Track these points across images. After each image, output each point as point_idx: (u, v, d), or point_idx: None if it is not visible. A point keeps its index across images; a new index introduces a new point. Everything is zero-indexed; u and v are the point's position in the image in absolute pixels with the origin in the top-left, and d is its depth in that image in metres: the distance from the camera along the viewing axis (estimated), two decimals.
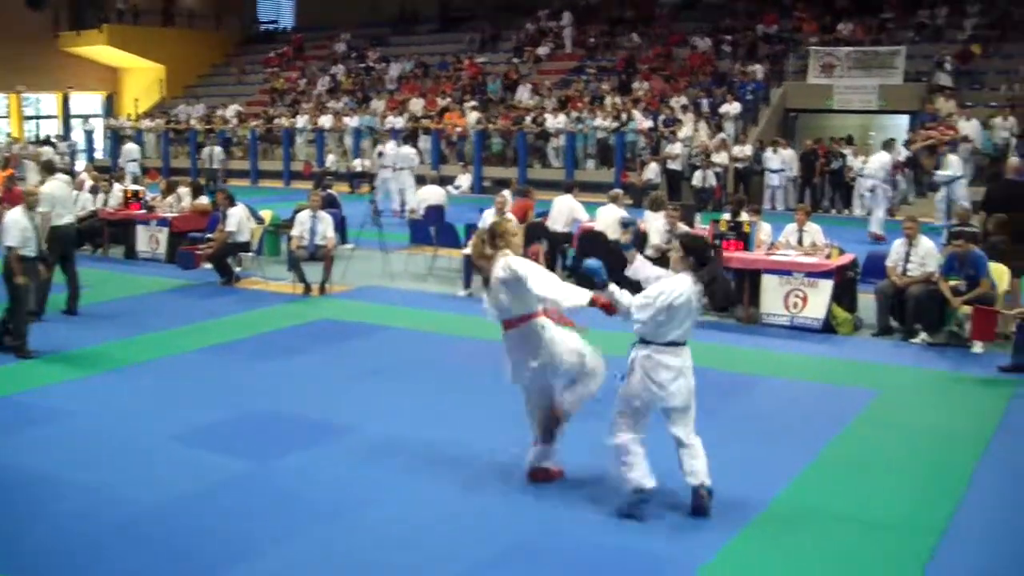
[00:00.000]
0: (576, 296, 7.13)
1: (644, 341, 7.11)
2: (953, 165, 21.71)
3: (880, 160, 21.62)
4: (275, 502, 7.38)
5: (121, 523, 7.03)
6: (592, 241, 15.60)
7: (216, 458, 8.28)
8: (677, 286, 6.95)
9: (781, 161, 26.02)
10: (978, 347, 11.74)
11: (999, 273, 12.34)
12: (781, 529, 6.91)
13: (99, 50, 44.70)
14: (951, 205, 20.89)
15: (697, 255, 7.04)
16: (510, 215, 14.03)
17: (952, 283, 11.99)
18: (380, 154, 26.98)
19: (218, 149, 34.85)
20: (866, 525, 6.95)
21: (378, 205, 18.95)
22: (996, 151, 25.13)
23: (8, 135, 40.86)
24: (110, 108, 46.67)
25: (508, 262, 7.28)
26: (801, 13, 33.85)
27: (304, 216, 15.47)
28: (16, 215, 11.58)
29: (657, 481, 7.05)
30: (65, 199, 13.81)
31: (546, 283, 7.15)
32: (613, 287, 7.10)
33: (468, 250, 14.94)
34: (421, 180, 22.49)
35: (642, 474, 7.02)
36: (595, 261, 7.17)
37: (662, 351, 7.02)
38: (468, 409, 9.54)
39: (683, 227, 14.07)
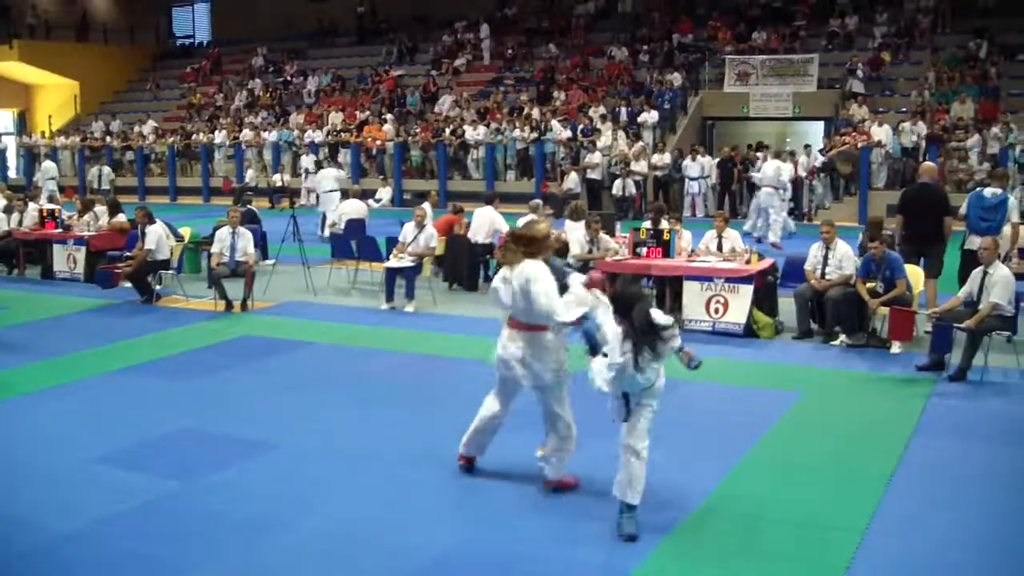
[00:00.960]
0: (568, 314, 7.19)
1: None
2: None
3: (772, 167, 21.52)
4: (202, 521, 7.29)
5: (37, 550, 6.86)
6: None
7: (139, 479, 8.16)
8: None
9: (700, 169, 26.30)
10: (896, 347, 11.95)
11: (914, 275, 12.56)
12: (709, 531, 6.96)
13: (10, 66, 43.96)
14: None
15: (619, 305, 6.87)
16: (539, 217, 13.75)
17: (870, 285, 12.19)
18: (306, 172, 26.88)
19: (107, 169, 34.18)
20: (792, 525, 7.04)
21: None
22: (905, 155, 25.64)
23: None
24: (23, 126, 45.92)
25: (525, 269, 7.33)
26: (716, 22, 34.27)
27: (224, 232, 15.33)
28: None
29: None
30: None
31: (547, 297, 7.19)
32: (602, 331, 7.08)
33: (392, 263, 15.01)
34: (343, 194, 22.35)
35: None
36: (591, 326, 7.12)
37: None
38: (392, 421, 9.51)
39: (604, 236, 14.18)
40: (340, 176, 24.77)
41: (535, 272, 7.31)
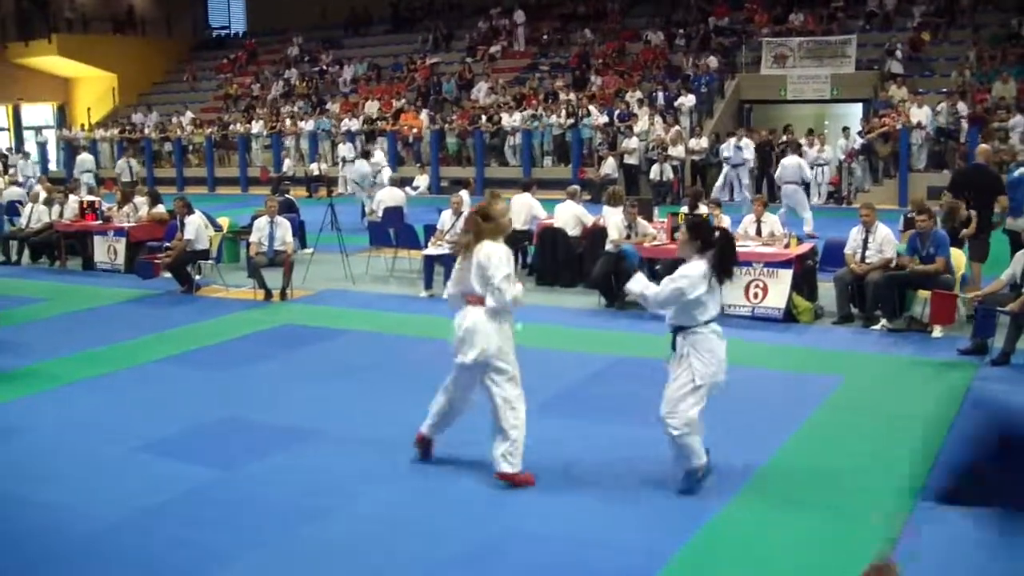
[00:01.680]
0: (516, 291, 7.38)
1: (683, 327, 7.30)
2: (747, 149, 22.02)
3: (794, 163, 20.98)
4: (244, 509, 7.34)
5: (86, 538, 6.93)
6: (551, 238, 15.64)
7: (182, 468, 8.22)
8: (692, 271, 7.18)
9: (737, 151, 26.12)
10: (937, 331, 11.84)
11: (957, 257, 12.45)
12: (751, 518, 6.93)
13: (49, 60, 44.30)
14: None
15: (702, 236, 7.30)
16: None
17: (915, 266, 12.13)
18: (343, 161, 26.91)
19: (133, 161, 34.35)
20: (835, 512, 7.00)
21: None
22: (943, 136, 25.38)
23: None
24: (62, 119, 46.27)
25: (486, 249, 7.40)
26: (752, 4, 34.02)
27: (262, 222, 15.39)
28: None
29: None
30: None
31: (502, 275, 7.29)
32: (641, 278, 7.62)
33: (430, 250, 15.02)
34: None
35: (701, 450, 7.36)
36: (630, 248, 7.49)
37: (705, 329, 7.30)
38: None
39: (642, 220, 14.13)
40: (366, 172, 24.64)
41: (491, 255, 7.38)
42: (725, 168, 24.29)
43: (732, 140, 24.31)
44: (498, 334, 7.49)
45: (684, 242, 7.41)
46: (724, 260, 7.24)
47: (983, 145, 16.02)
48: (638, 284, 7.54)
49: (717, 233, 7.40)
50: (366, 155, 26.39)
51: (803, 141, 25.22)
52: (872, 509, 6.97)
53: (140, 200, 19.14)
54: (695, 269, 7.18)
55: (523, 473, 7.54)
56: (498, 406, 7.52)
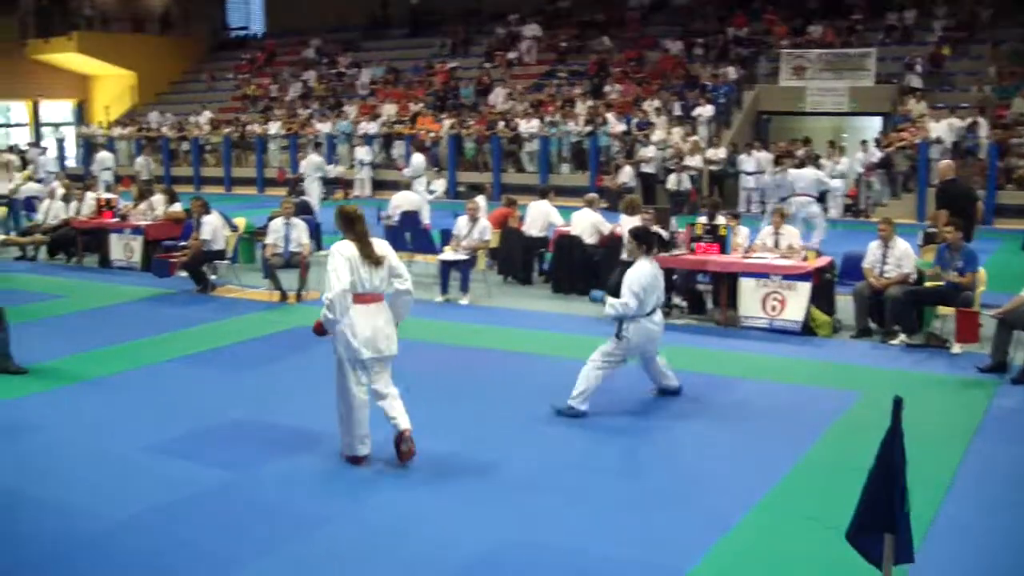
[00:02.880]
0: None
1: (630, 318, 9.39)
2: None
3: (811, 174, 20.62)
4: (255, 512, 7.30)
5: (93, 538, 6.90)
6: (567, 246, 15.60)
7: (193, 469, 8.19)
8: (643, 271, 9.39)
9: (756, 163, 26.08)
10: (957, 348, 11.76)
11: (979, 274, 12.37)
12: (764, 533, 6.88)
13: (69, 57, 44.44)
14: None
15: (647, 241, 9.61)
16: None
17: (935, 282, 12.06)
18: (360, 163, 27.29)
19: (150, 160, 34.32)
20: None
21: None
22: (958, 151, 25.28)
23: None
24: (81, 116, 46.40)
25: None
26: (771, 16, 33.97)
27: (277, 223, 15.40)
28: None
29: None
30: None
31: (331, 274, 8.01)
32: (610, 301, 9.62)
33: (446, 255, 15.00)
34: (395, 186, 22.45)
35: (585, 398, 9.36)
36: (598, 293, 8.98)
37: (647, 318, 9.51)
38: (444, 414, 9.48)
39: (660, 231, 14.07)
40: (321, 163, 25.76)
41: (333, 249, 8.08)
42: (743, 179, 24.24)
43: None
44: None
45: (633, 249, 9.69)
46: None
47: (947, 162, 16.60)
48: (612, 306, 9.43)
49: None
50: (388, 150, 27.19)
51: (823, 153, 25.15)
52: None
53: (157, 199, 19.15)
54: (644, 268, 9.39)
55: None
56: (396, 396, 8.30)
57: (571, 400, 9.37)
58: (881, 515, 4.61)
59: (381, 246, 8.20)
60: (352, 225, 8.14)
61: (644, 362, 9.92)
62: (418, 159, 26.78)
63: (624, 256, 13.90)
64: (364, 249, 8.03)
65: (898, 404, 4.49)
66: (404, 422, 8.20)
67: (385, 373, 8.28)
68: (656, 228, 13.76)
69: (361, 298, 8.02)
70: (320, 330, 8.27)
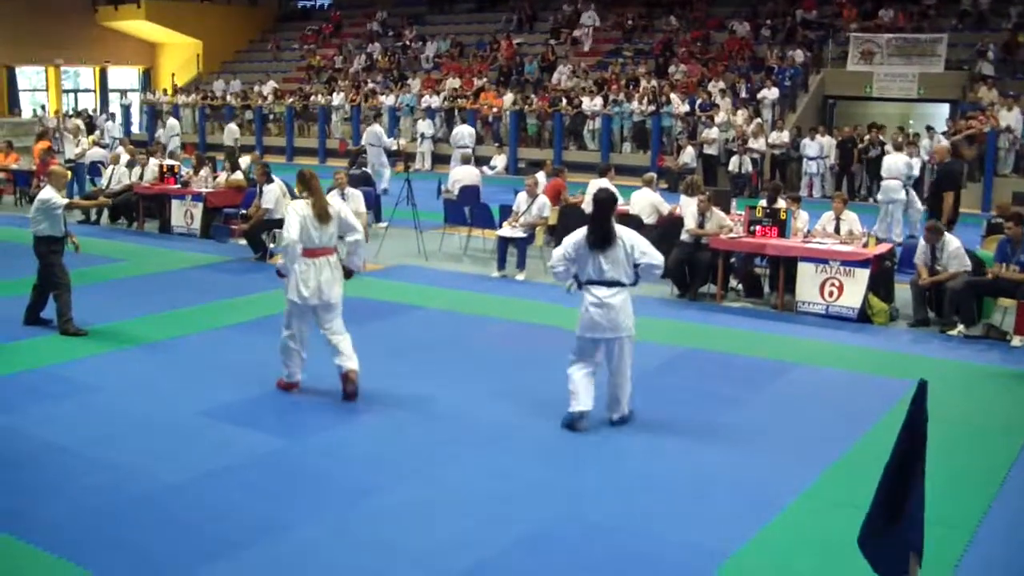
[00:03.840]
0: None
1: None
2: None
3: (900, 161, 19.50)
4: (302, 479, 7.38)
5: (142, 498, 7.03)
6: (626, 225, 15.51)
7: (243, 435, 8.29)
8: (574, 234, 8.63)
9: (819, 148, 25.80)
10: (1017, 340, 11.60)
11: None
12: (812, 519, 6.85)
13: (137, 25, 44.89)
14: None
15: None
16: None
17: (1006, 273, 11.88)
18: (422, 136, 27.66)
19: (233, 127, 34.49)
20: None
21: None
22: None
23: (42, 107, 41.14)
24: (147, 83, 46.83)
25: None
26: None
27: (333, 195, 15.44)
28: (49, 194, 11.43)
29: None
30: None
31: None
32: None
33: (504, 231, 15.00)
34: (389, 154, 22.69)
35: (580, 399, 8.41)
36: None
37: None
38: (496, 389, 9.49)
39: (718, 212, 13.98)
40: (380, 133, 26.04)
41: (289, 207, 9.37)
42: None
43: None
44: None
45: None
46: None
47: (943, 143, 18.22)
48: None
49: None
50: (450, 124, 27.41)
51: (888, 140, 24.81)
52: (936, 519, 6.84)
53: (243, 160, 19.44)
54: (578, 232, 8.64)
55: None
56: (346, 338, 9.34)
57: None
58: (894, 513, 4.40)
59: (335, 205, 9.35)
60: (307, 185, 9.25)
61: (608, 381, 8.61)
62: (463, 129, 27.94)
63: (683, 237, 13.87)
64: (316, 208, 9.07)
65: (922, 388, 4.34)
66: (351, 363, 9.22)
67: (334, 317, 9.28)
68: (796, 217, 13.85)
69: (311, 252, 9.07)
70: (280, 273, 9.38)
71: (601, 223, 8.52)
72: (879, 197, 19.69)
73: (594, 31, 36.92)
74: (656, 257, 8.53)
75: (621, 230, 8.58)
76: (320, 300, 9.13)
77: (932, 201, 16.08)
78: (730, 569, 6.11)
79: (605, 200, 8.72)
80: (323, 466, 7.65)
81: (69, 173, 12.59)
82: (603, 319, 8.36)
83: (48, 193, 11.36)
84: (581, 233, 8.50)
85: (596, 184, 16.35)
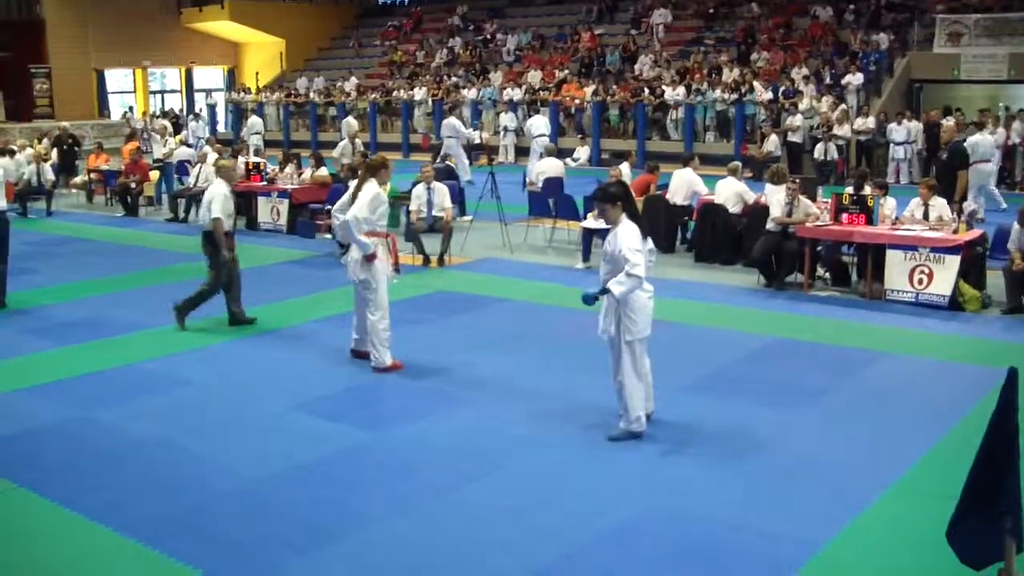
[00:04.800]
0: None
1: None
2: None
3: (987, 140, 19.70)
4: (393, 472, 7.44)
5: (234, 491, 7.16)
6: (711, 214, 15.45)
7: (333, 428, 8.38)
8: (633, 233, 7.87)
9: (906, 133, 25.42)
10: None
11: None
12: (903, 511, 6.77)
13: (220, 25, 45.54)
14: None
15: (615, 200, 8.00)
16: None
17: None
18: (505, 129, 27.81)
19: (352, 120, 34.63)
20: None
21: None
22: None
23: (130, 108, 41.86)
24: (232, 82, 47.44)
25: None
26: None
27: (419, 189, 15.57)
28: (222, 189, 11.65)
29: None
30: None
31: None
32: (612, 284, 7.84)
33: (589, 223, 14.98)
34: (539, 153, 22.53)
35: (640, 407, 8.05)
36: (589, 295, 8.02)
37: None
38: (584, 382, 9.48)
39: (804, 200, 13.83)
40: (456, 126, 25.89)
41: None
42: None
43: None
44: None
45: (609, 210, 8.00)
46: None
47: (950, 122, 18.27)
48: (620, 283, 7.74)
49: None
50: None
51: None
52: None
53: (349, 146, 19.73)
54: (634, 228, 7.88)
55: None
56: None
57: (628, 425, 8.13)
58: (985, 502, 4.30)
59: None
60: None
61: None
62: (538, 120, 28.07)
63: (770, 225, 13.74)
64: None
65: (1012, 376, 4.23)
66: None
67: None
68: (884, 204, 13.63)
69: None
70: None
71: (641, 218, 8.15)
72: (973, 180, 19.32)
73: (672, 22, 36.70)
74: None
75: None
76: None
77: (945, 181, 15.76)
78: (820, 561, 6.07)
79: (628, 190, 8.34)
80: (411, 458, 7.71)
81: (235, 163, 12.95)
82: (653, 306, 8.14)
83: (220, 187, 11.64)
84: (637, 231, 7.89)
85: (680, 174, 16.32)
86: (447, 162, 21.78)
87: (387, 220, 10.35)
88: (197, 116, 37.91)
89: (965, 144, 18.38)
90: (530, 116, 30.63)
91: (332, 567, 6.09)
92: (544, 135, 26.80)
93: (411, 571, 6.04)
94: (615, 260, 7.85)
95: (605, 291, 7.86)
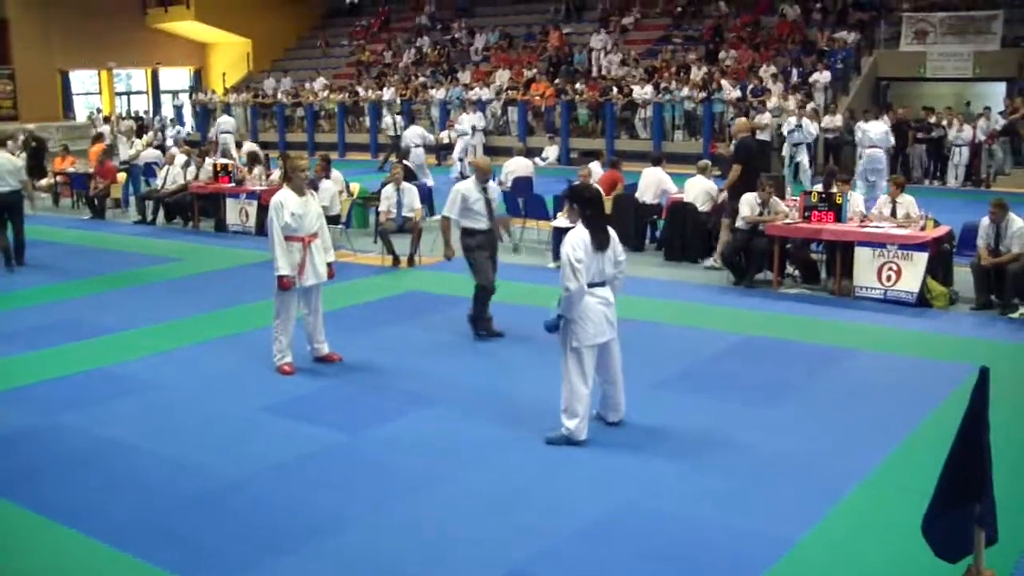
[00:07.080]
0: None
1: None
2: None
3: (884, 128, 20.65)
4: (364, 473, 7.42)
5: (206, 493, 7.12)
6: (681, 213, 15.48)
7: (304, 429, 8.35)
8: (580, 235, 7.74)
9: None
10: None
11: None
12: (875, 505, 6.80)
13: (186, 25, 45.24)
14: None
15: (580, 203, 7.92)
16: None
17: None
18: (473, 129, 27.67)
19: (399, 118, 34.27)
20: None
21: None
22: None
23: (98, 110, 41.58)
24: (198, 83, 47.20)
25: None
26: None
27: (389, 190, 15.54)
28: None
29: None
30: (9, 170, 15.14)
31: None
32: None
33: (559, 222, 14.98)
34: (508, 152, 22.48)
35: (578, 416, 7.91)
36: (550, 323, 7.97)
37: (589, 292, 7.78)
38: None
39: (776, 200, 13.86)
40: (423, 133, 25.37)
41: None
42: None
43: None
44: None
45: (573, 212, 7.97)
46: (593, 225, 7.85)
47: (742, 119, 18.14)
48: (559, 301, 7.79)
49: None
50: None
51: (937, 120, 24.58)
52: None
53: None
54: (582, 234, 7.74)
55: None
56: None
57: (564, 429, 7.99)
58: (961, 496, 4.34)
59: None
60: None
61: (602, 383, 8.24)
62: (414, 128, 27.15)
63: (739, 224, 13.77)
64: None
65: (984, 375, 4.27)
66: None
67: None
68: (852, 200, 13.65)
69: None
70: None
71: (603, 222, 7.99)
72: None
73: (637, 24, 36.76)
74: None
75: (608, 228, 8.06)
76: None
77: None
78: (795, 557, 6.09)
79: (599, 197, 8.25)
80: (385, 458, 7.69)
81: (123, 175, 12.85)
82: (611, 318, 7.93)
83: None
84: (582, 238, 7.69)
85: (649, 173, 16.34)
86: (405, 161, 21.66)
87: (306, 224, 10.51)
88: (173, 121, 37.83)
89: (856, 127, 18.85)
90: (506, 115, 30.62)
91: (306, 567, 6.05)
92: (420, 146, 26.23)
93: (386, 570, 6.02)
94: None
95: (561, 315, 7.81)
